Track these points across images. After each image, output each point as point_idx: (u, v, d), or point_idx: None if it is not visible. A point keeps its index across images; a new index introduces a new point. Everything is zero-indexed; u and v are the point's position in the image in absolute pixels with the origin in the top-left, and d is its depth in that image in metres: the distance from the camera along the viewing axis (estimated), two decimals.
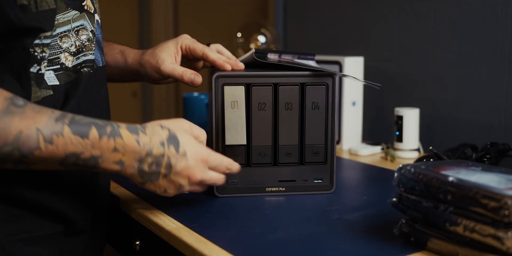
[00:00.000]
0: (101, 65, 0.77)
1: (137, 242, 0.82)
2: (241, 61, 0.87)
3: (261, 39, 1.56)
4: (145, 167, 0.65)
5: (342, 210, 0.77)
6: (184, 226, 0.70)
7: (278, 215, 0.75)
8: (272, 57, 0.89)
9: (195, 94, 1.30)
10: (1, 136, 0.57)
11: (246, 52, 1.22)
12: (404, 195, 0.62)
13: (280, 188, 0.84)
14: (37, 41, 0.65)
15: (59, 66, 0.69)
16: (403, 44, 1.26)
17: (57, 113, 0.61)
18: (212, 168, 0.70)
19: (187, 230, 0.69)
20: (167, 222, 0.72)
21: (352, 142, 1.23)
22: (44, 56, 0.66)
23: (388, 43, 1.29)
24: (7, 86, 0.63)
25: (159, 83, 0.94)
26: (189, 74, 0.83)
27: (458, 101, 1.15)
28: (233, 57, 0.87)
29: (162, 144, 0.66)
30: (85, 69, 0.72)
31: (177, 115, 2.63)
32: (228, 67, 0.83)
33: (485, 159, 0.95)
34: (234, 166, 0.73)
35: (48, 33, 0.66)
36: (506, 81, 1.05)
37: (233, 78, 0.81)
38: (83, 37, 0.72)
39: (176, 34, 2.69)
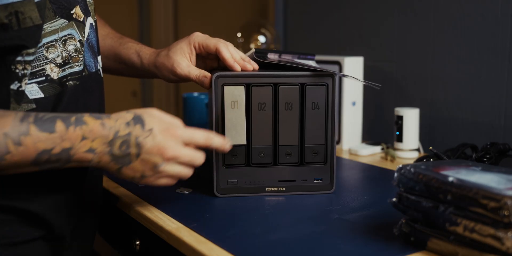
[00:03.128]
0: (94, 70, 0.76)
1: (137, 242, 0.82)
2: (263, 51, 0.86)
3: (261, 39, 1.56)
4: (116, 150, 0.64)
5: (342, 210, 0.77)
6: (184, 226, 0.70)
7: (278, 215, 0.75)
8: (272, 57, 0.89)
9: (195, 94, 1.30)
10: None
11: (246, 52, 1.22)
12: (404, 195, 0.62)
13: (280, 188, 0.84)
14: (19, 58, 0.64)
15: (44, 78, 0.67)
16: (403, 44, 1.26)
17: (20, 113, 0.61)
18: (187, 144, 0.68)
19: (187, 230, 0.69)
20: (167, 222, 0.72)
21: (352, 142, 1.23)
22: (26, 73, 0.65)
23: (388, 43, 1.29)
24: None
25: (177, 83, 0.93)
26: (201, 77, 0.82)
27: (458, 101, 1.15)
28: (247, 58, 0.85)
29: (128, 124, 0.65)
30: (70, 82, 0.71)
31: (177, 115, 2.63)
32: (238, 68, 0.82)
33: (485, 159, 0.95)
34: (212, 139, 0.70)
35: (32, 50, 0.65)
36: (506, 81, 1.05)
37: (233, 78, 0.81)
38: (70, 48, 0.70)
39: (176, 34, 2.69)
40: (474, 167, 0.63)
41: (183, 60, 0.84)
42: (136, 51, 0.90)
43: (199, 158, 0.68)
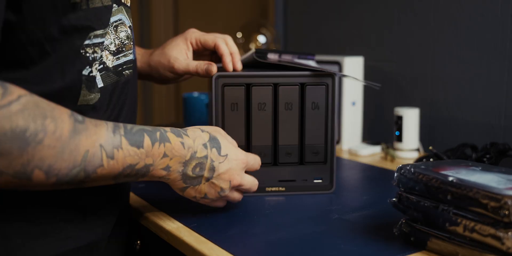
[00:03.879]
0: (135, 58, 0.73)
1: (137, 242, 0.82)
2: (241, 60, 0.87)
3: (261, 39, 1.56)
4: (189, 171, 0.65)
5: (342, 210, 0.77)
6: (184, 226, 0.70)
7: (278, 215, 0.75)
8: (272, 57, 0.89)
9: (195, 94, 1.30)
10: (71, 158, 0.53)
11: (246, 52, 1.22)
12: (404, 195, 0.62)
13: (280, 188, 0.84)
14: (87, 42, 0.60)
15: (102, 66, 0.63)
16: (403, 44, 1.26)
17: (111, 124, 0.58)
18: (248, 169, 0.71)
19: (187, 230, 0.69)
20: (167, 222, 0.72)
21: (352, 142, 1.23)
22: (96, 56, 0.62)
23: (388, 43, 1.29)
24: (59, 93, 0.59)
25: (170, 83, 0.90)
26: (203, 66, 0.81)
27: (458, 101, 1.15)
28: (237, 56, 0.85)
29: (205, 146, 0.65)
30: (127, 71, 0.68)
31: (177, 115, 2.63)
32: (230, 68, 0.82)
33: (485, 159, 0.95)
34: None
35: (99, 31, 0.61)
36: (506, 81, 1.05)
37: (233, 78, 0.81)
38: (122, 35, 0.66)
39: (176, 33, 2.69)
40: (474, 167, 0.63)
41: (180, 55, 0.83)
42: None
43: (256, 185, 0.72)
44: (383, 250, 0.62)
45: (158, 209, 0.77)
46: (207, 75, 0.81)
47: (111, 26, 0.63)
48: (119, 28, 0.65)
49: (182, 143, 0.63)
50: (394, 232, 0.64)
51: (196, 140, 0.65)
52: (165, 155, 0.62)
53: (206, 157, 0.65)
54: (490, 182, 0.56)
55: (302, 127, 0.83)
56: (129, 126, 0.60)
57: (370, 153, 1.17)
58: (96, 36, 0.61)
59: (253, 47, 1.55)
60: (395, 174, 0.63)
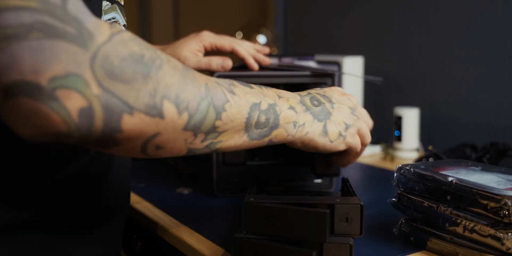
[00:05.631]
0: None
1: (138, 242, 0.82)
2: (242, 65, 0.87)
3: (261, 39, 1.56)
4: (310, 106, 0.60)
5: None
6: (184, 226, 0.70)
7: None
8: (273, 61, 0.90)
9: None
10: (194, 87, 0.47)
11: None
12: (404, 195, 0.62)
13: (280, 188, 0.84)
14: None
15: None
16: (403, 44, 1.26)
17: None
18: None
19: (188, 229, 0.69)
20: (167, 222, 0.72)
21: None
22: None
23: (388, 43, 1.29)
24: None
25: None
26: (217, 60, 0.80)
27: (458, 101, 1.15)
28: (259, 55, 0.85)
29: (308, 94, 0.62)
30: None
31: None
32: (256, 68, 0.83)
33: (484, 159, 0.95)
34: None
35: None
36: (506, 81, 1.05)
37: (233, 79, 0.80)
38: (108, 16, 0.61)
39: (176, 33, 2.69)
40: (474, 167, 0.63)
41: (191, 55, 0.83)
42: None
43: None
44: (383, 250, 0.62)
45: (159, 209, 0.77)
46: (222, 69, 0.81)
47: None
48: (108, 10, 0.61)
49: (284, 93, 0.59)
50: (394, 232, 0.64)
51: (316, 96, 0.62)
52: (279, 96, 0.57)
53: (310, 94, 0.62)
54: (490, 182, 0.56)
55: None
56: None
57: (370, 153, 1.17)
58: None
59: None
60: (395, 174, 0.63)
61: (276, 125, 0.55)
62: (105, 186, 0.64)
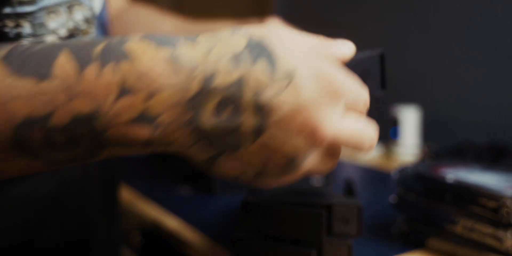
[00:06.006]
0: None
1: (138, 241, 0.82)
2: None
3: None
4: (208, 118, 0.29)
5: None
6: (184, 225, 0.70)
7: None
8: None
9: None
10: None
11: None
12: (403, 195, 0.62)
13: None
14: (7, 10, 0.39)
15: None
16: (403, 44, 1.26)
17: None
18: (349, 107, 0.33)
19: (188, 229, 0.69)
20: (168, 221, 0.72)
21: None
22: (21, 32, 0.40)
23: (388, 43, 1.29)
24: None
25: None
26: None
27: (458, 101, 1.15)
28: None
29: (236, 59, 0.29)
30: None
31: None
32: None
33: (484, 159, 0.95)
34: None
35: None
36: (506, 81, 1.05)
37: None
38: (78, 17, 0.46)
39: None
40: (473, 167, 0.63)
41: None
42: None
43: (371, 139, 0.34)
44: (382, 250, 0.62)
45: (159, 208, 0.77)
46: None
47: (64, 5, 0.44)
48: (75, 8, 0.45)
49: (175, 59, 0.28)
50: (394, 232, 0.64)
51: (213, 50, 0.29)
52: (124, 91, 0.28)
53: (239, 82, 0.29)
54: (489, 182, 0.56)
55: None
56: (27, 45, 0.30)
57: (370, 153, 1.17)
58: (22, 3, 0.40)
59: None
60: (395, 174, 0.63)
61: (100, 145, 0.30)
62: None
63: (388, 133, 1.22)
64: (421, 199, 0.60)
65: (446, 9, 1.15)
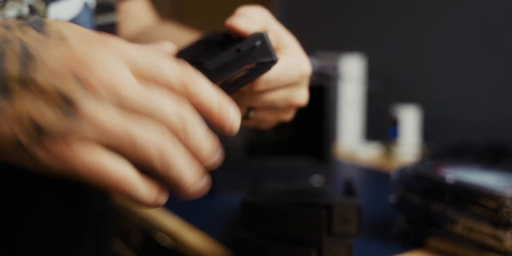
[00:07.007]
0: None
1: (137, 241, 0.82)
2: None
3: None
4: None
5: None
6: (184, 226, 0.70)
7: None
8: None
9: None
10: None
11: None
12: (403, 195, 0.62)
13: None
14: None
15: None
16: (403, 44, 1.26)
17: None
18: (141, 76, 0.29)
19: (187, 229, 0.69)
20: (167, 222, 0.72)
21: (351, 142, 1.23)
22: None
23: (388, 43, 1.29)
24: None
25: None
26: None
27: (458, 101, 1.15)
28: None
29: (6, 28, 0.29)
30: None
31: None
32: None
33: (484, 159, 0.95)
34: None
35: None
36: (506, 81, 1.05)
37: None
38: (11, 13, 0.42)
39: None
40: (473, 167, 0.63)
41: None
42: None
43: (188, 116, 0.30)
44: (382, 250, 0.62)
45: (159, 209, 0.77)
46: None
47: None
48: (9, 4, 0.42)
49: None
50: (394, 231, 0.64)
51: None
52: None
53: (5, 41, 0.28)
54: (489, 182, 0.56)
55: (301, 127, 0.83)
56: None
57: (370, 153, 1.17)
58: None
59: None
60: (395, 174, 0.64)
61: None
62: None
63: (388, 133, 1.22)
64: (421, 199, 0.60)
65: (446, 9, 1.15)
